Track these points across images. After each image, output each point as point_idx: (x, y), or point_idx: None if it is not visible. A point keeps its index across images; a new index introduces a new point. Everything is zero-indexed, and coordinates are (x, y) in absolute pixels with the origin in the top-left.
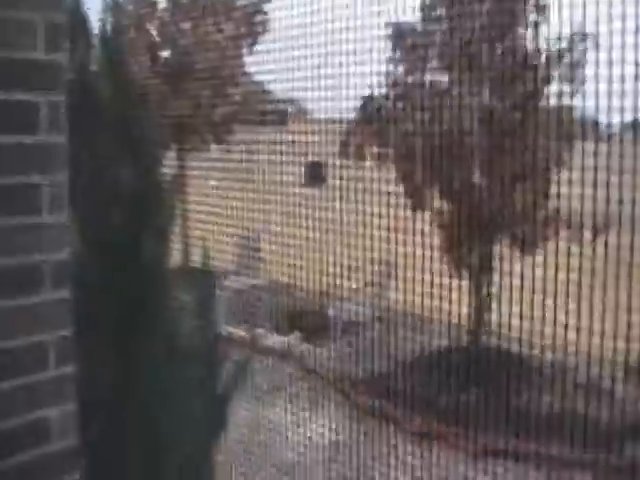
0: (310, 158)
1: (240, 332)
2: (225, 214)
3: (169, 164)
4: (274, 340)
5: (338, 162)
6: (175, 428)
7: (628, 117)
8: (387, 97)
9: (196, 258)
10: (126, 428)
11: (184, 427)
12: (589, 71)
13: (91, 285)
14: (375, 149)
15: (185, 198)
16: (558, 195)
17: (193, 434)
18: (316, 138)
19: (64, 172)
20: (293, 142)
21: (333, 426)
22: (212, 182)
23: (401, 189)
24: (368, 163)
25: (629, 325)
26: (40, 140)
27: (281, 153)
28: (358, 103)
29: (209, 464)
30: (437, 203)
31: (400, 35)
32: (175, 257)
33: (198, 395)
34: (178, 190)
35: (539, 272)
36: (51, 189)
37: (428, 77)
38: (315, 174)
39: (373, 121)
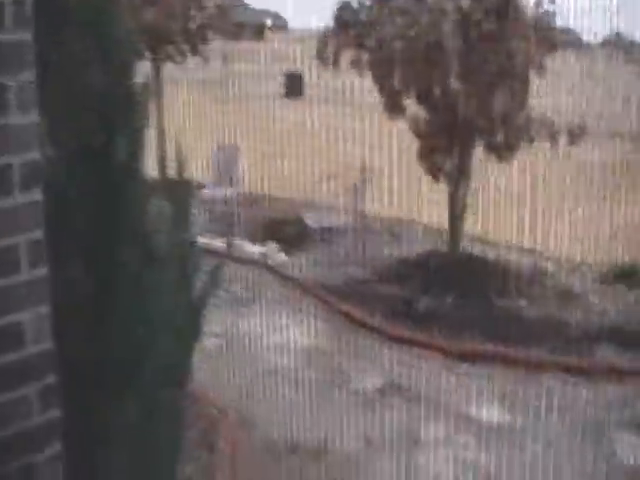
0: (288, 69)
1: (217, 242)
2: (203, 126)
3: (144, 72)
4: (251, 250)
5: (316, 72)
6: (152, 332)
7: (606, 32)
8: (363, 2)
9: (172, 169)
10: (103, 332)
11: (161, 331)
12: None
13: (63, 189)
14: (352, 55)
15: (161, 110)
16: (536, 102)
17: (170, 338)
18: (294, 49)
19: (31, 71)
20: (271, 53)
21: (311, 332)
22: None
23: (378, 97)
24: (345, 70)
25: (608, 233)
26: (4, 38)
27: (259, 64)
28: (335, 10)
29: (187, 368)
30: (414, 109)
31: None
32: (152, 168)
33: (174, 300)
34: (154, 100)
35: (516, 179)
36: (18, 89)
37: None
38: (293, 85)
39: (349, 27)
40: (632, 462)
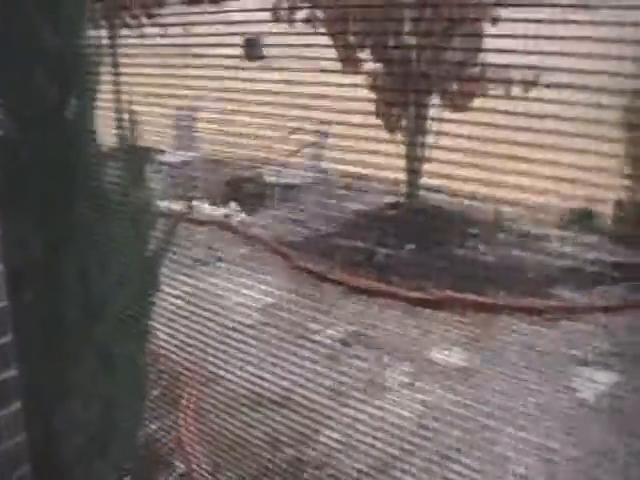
0: (247, 33)
1: (177, 206)
2: (162, 92)
3: (97, 37)
4: (211, 211)
5: (273, 33)
6: (108, 287)
7: None
8: None
9: (128, 134)
10: (59, 288)
11: (117, 286)
12: None
13: (16, 149)
14: (306, 12)
15: (119, 77)
16: (488, 50)
17: (127, 293)
18: (250, 13)
19: None
20: (230, 17)
21: (272, 289)
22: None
23: (333, 53)
24: (300, 28)
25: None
26: None
27: (218, 28)
28: None
29: (145, 323)
30: (369, 65)
31: None
32: (109, 134)
33: (129, 256)
34: (111, 67)
35: (470, 130)
36: None
37: None
38: (253, 48)
39: None
40: (589, 396)
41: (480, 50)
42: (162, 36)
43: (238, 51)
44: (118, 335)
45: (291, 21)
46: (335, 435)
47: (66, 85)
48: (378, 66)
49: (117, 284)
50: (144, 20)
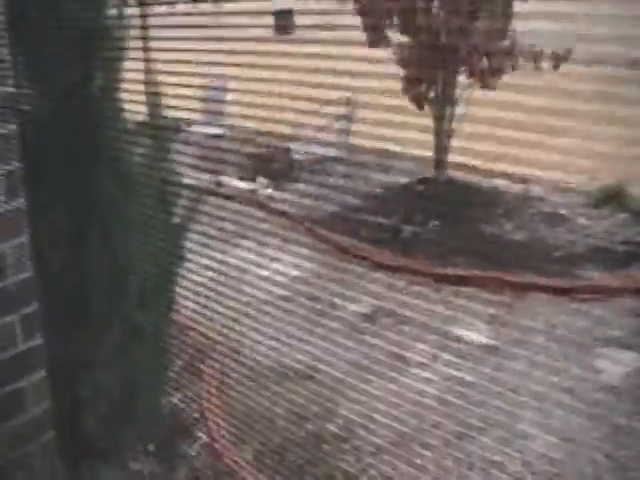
0: (277, 6)
1: (204, 179)
2: (192, 67)
3: (125, 12)
4: (239, 186)
5: (305, 7)
6: (134, 257)
7: None
8: None
9: (155, 107)
10: (86, 258)
11: (143, 256)
12: None
13: (42, 123)
14: None
15: (148, 51)
16: (520, 26)
17: (151, 264)
18: None
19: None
20: None
21: (299, 263)
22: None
23: (360, 26)
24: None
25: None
26: None
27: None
28: None
29: (170, 294)
30: (396, 38)
31: None
32: (137, 108)
33: (153, 227)
34: (140, 41)
35: (501, 104)
36: None
37: None
38: (284, 22)
39: None
40: (612, 377)
41: (509, 24)
42: (195, 10)
43: (269, 24)
44: (142, 305)
45: None
46: (357, 408)
47: (92, 59)
48: (406, 40)
49: (142, 255)
50: None
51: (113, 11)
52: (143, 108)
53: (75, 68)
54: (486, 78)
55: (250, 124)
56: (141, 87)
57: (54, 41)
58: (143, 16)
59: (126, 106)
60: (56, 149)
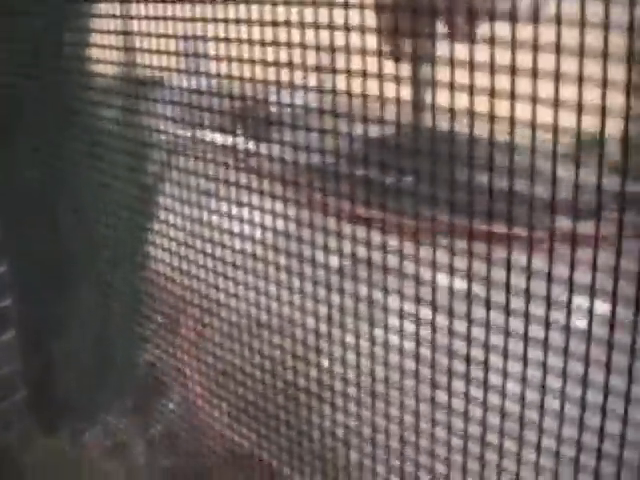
0: None
1: (183, 133)
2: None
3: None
4: (218, 139)
5: None
6: (104, 220)
7: None
8: None
9: (130, 62)
10: (56, 220)
11: (112, 217)
12: None
13: (11, 83)
14: None
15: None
16: None
17: (123, 224)
18: None
19: None
20: None
21: (275, 218)
22: None
23: None
24: None
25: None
26: None
27: None
28: None
29: (141, 253)
30: None
31: None
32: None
33: (124, 185)
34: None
35: (479, 53)
36: None
37: None
38: None
39: None
40: (583, 325)
41: None
42: None
43: None
44: (115, 264)
45: None
46: (334, 359)
47: (62, 17)
48: None
49: (112, 213)
50: None
51: None
52: (117, 64)
53: (46, 26)
54: (463, 27)
55: (229, 76)
56: (115, 42)
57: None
58: None
59: (99, 63)
60: (26, 110)
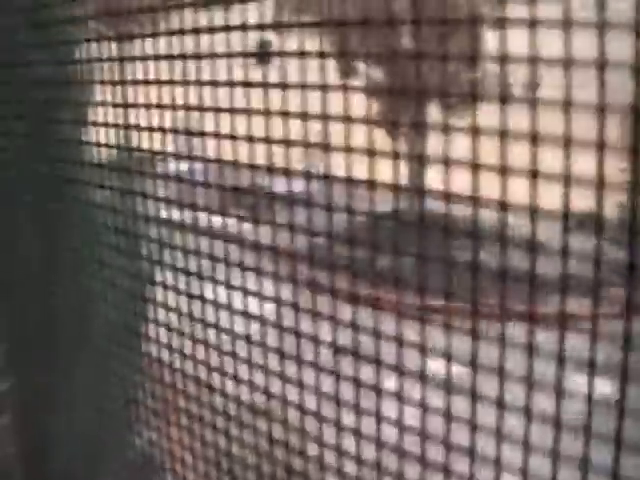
0: (259, 37)
1: (179, 215)
2: (167, 98)
3: (96, 52)
4: (213, 220)
5: (280, 39)
6: (100, 302)
7: None
8: None
9: (124, 145)
10: (52, 301)
11: (109, 300)
12: None
13: (4, 164)
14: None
15: (126, 88)
16: (488, 55)
17: (119, 306)
18: (258, 16)
19: None
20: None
21: (272, 298)
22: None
23: (333, 61)
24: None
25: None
26: None
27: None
28: None
29: (137, 338)
30: (370, 71)
31: None
32: (106, 147)
33: (119, 268)
34: (115, 78)
35: (470, 135)
36: None
37: None
38: (263, 53)
39: None
40: (583, 405)
41: (478, 55)
42: (179, 45)
43: (248, 56)
44: (111, 348)
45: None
46: (328, 443)
47: (57, 99)
48: (378, 73)
49: (108, 299)
50: (148, 28)
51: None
52: (114, 146)
53: (40, 107)
54: (456, 108)
55: (228, 156)
56: (110, 123)
57: (21, 88)
58: (116, 50)
59: (95, 145)
60: (18, 190)
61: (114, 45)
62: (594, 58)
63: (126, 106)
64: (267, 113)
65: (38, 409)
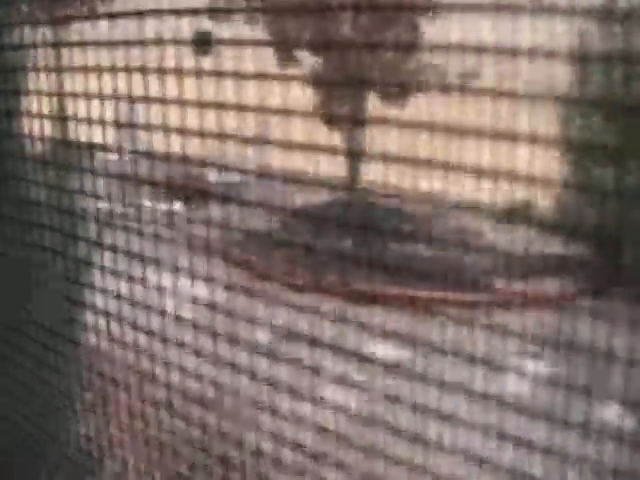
0: (198, 28)
1: (117, 205)
2: (106, 88)
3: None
4: (154, 210)
5: (221, 28)
6: (36, 291)
7: None
8: None
9: (61, 134)
10: None
11: (45, 291)
12: None
13: None
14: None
15: (61, 74)
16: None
17: (56, 296)
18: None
19: None
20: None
21: (211, 287)
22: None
23: (272, 49)
24: (237, 22)
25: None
26: None
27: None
28: None
29: (76, 330)
30: (309, 60)
31: None
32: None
33: (54, 265)
34: (51, 65)
35: (406, 125)
36: None
37: None
38: (202, 43)
39: None
40: (522, 388)
41: (416, 44)
42: (118, 29)
43: (188, 44)
44: (49, 338)
45: (227, 17)
46: (266, 431)
47: None
48: (317, 61)
49: (45, 290)
50: (92, 13)
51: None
52: (49, 134)
53: None
54: (394, 98)
55: (164, 147)
56: (47, 112)
57: None
58: (54, 35)
59: (30, 135)
60: None
61: (49, 30)
62: (534, 47)
63: (61, 95)
64: (202, 104)
65: None
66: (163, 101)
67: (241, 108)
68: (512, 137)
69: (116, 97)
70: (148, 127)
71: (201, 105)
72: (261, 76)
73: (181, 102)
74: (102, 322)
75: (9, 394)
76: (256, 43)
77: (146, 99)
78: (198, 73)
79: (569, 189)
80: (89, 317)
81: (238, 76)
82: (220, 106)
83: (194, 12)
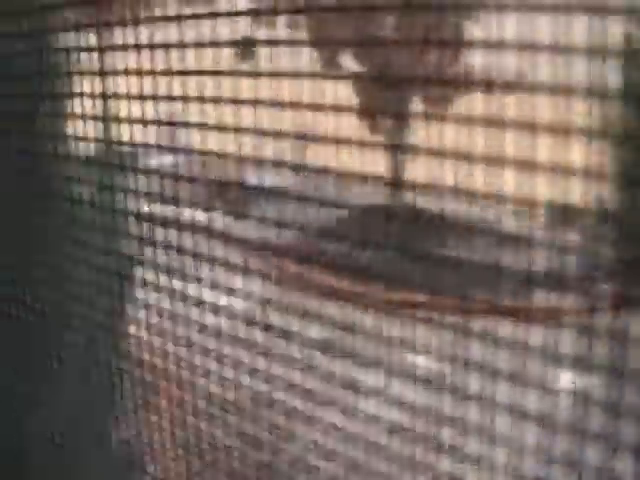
0: (240, 33)
1: (160, 210)
2: (149, 90)
3: (75, 42)
4: (194, 215)
5: (264, 35)
6: (77, 298)
7: None
8: None
9: (106, 138)
10: (27, 300)
11: (86, 297)
12: None
13: None
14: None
15: (105, 77)
16: (471, 50)
17: (97, 304)
18: (243, 9)
19: None
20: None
21: (255, 293)
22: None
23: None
24: (281, 28)
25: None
26: None
27: (210, 27)
28: None
29: (117, 336)
30: (352, 65)
31: None
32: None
33: (99, 265)
34: (93, 69)
35: (453, 130)
36: None
37: None
38: (246, 49)
39: None
40: (565, 402)
41: (461, 50)
42: (160, 32)
43: (231, 51)
44: (90, 345)
45: (271, 24)
46: (308, 438)
47: (35, 96)
48: (360, 67)
49: (85, 296)
50: (132, 20)
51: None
52: (95, 139)
53: (18, 101)
54: (438, 102)
55: (206, 152)
56: (91, 117)
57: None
58: (98, 42)
59: (75, 139)
60: None
61: (93, 34)
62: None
63: (106, 97)
64: (239, 102)
65: (17, 407)
66: (217, 100)
67: (294, 105)
68: (565, 131)
69: (170, 98)
70: (202, 126)
71: (255, 103)
72: (311, 75)
73: (235, 101)
74: (145, 327)
75: (50, 402)
76: (299, 44)
77: (200, 99)
78: (249, 74)
79: (629, 187)
80: (133, 322)
81: (292, 75)
82: (276, 104)
83: (236, 14)
